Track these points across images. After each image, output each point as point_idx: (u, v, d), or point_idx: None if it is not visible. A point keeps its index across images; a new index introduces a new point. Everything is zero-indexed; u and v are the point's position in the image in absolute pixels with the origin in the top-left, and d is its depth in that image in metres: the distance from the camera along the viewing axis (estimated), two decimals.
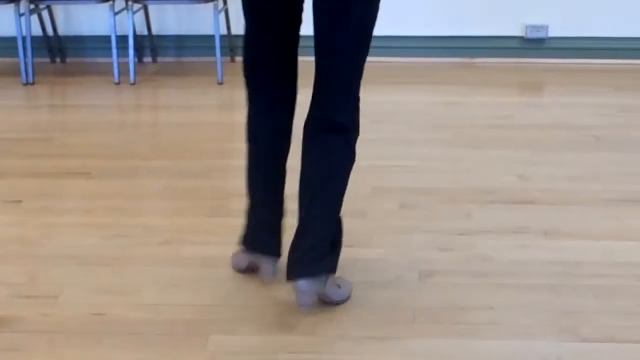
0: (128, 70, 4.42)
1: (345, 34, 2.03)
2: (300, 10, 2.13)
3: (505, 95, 4.24)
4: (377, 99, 4.14)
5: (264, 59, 2.22)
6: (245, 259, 2.38)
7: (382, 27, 4.72)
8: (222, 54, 4.48)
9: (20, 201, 2.95)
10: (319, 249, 2.15)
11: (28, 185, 3.10)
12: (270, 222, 2.31)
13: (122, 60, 4.45)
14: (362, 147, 3.50)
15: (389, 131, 3.67)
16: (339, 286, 2.24)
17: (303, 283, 2.12)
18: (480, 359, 2.01)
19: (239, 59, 4.82)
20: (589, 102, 4.04)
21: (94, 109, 4.10)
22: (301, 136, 2.19)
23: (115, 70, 4.45)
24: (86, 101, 4.26)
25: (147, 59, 4.94)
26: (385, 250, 2.52)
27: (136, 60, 4.60)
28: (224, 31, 4.72)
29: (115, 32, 4.44)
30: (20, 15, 4.45)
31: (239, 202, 2.95)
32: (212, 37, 4.45)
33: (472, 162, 3.27)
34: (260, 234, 2.32)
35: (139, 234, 2.68)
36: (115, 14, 4.44)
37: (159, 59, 4.94)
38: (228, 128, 3.82)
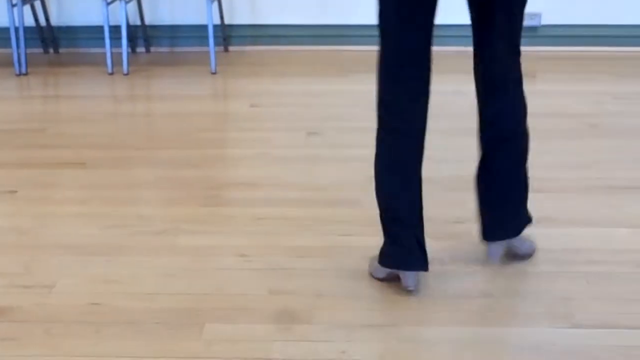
0: (121, 60, 4.41)
1: None
2: None
3: None
4: (369, 87, 4.13)
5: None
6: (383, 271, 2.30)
7: (374, 15, 4.73)
8: (216, 44, 4.47)
9: (15, 191, 2.95)
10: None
11: (23, 175, 3.10)
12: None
13: (115, 50, 4.44)
14: (359, 135, 3.51)
15: None
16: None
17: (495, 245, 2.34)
18: (477, 346, 2.02)
19: (233, 48, 4.83)
20: (583, 89, 4.05)
21: (88, 100, 4.10)
22: None
23: (109, 61, 4.44)
24: (80, 92, 4.25)
25: (141, 49, 4.93)
26: (378, 239, 2.52)
27: (129, 50, 4.58)
28: (217, 21, 4.71)
29: (108, 22, 4.43)
30: (13, 5, 4.43)
31: (234, 192, 2.97)
32: (205, 26, 4.44)
33: (468, 151, 3.26)
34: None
35: (135, 224, 2.68)
36: (108, 4, 4.42)
37: (152, 49, 4.93)
38: (222, 118, 3.82)
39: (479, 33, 2.25)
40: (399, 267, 2.23)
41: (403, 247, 2.21)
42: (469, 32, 2.25)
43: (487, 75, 2.31)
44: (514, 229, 2.35)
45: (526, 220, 2.36)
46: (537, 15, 4.58)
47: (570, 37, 4.70)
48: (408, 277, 2.21)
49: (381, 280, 2.27)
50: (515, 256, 2.37)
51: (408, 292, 2.20)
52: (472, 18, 2.25)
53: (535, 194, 2.84)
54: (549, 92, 4.08)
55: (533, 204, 2.76)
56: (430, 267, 2.26)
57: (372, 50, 5.11)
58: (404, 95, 2.24)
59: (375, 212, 2.74)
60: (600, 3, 4.66)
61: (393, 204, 2.25)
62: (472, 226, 2.62)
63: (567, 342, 2.03)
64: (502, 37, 2.22)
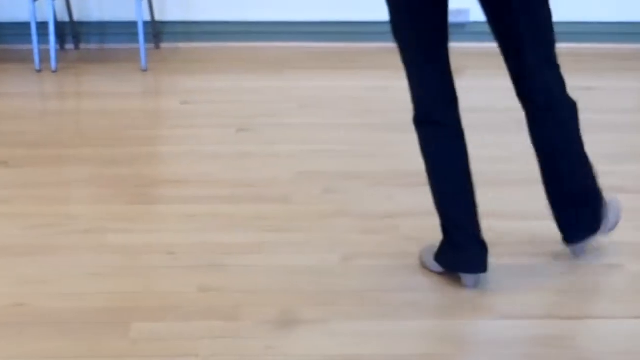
0: (49, 57, 4.34)
1: None
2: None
3: None
4: (302, 84, 4.16)
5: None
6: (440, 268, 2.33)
7: (308, 12, 4.75)
8: (146, 41, 4.43)
9: None
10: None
11: None
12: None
13: (43, 47, 4.36)
14: (287, 131, 3.52)
15: (314, 116, 3.68)
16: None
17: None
18: (402, 339, 2.04)
19: (164, 45, 4.79)
20: (510, 85, 4.10)
21: (14, 97, 4.02)
22: None
23: (36, 58, 4.36)
24: (6, 89, 4.17)
25: (70, 46, 4.85)
26: (308, 234, 2.54)
27: (58, 47, 4.51)
28: (147, 17, 4.67)
29: (36, 18, 4.35)
30: None
31: (163, 189, 2.95)
32: (135, 23, 4.40)
33: (396, 146, 3.30)
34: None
35: (62, 223, 2.65)
36: (35, 0, 4.35)
37: (82, 45, 4.85)
38: (152, 115, 3.79)
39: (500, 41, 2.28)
40: (461, 271, 2.25)
41: (465, 253, 2.24)
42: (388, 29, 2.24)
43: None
44: (593, 227, 2.35)
45: (601, 209, 2.34)
46: (465, 12, 4.64)
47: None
48: (468, 278, 2.24)
49: (437, 273, 2.30)
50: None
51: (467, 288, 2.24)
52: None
53: None
54: (477, 88, 4.14)
55: None
56: (353, 262, 2.28)
57: (304, 46, 5.13)
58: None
59: (304, 207, 2.77)
60: None
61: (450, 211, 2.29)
62: (399, 221, 2.66)
63: (492, 333, 2.07)
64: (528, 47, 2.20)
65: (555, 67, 2.28)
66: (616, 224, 2.38)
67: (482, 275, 2.24)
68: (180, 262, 2.39)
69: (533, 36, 2.18)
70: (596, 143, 3.34)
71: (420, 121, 2.25)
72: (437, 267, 2.30)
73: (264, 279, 2.31)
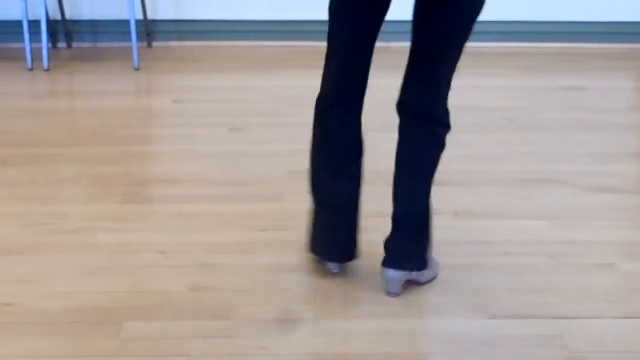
0: (41, 55, 4.33)
1: None
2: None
3: None
4: (294, 83, 4.16)
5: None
6: None
7: (300, 11, 4.74)
8: (138, 39, 4.42)
9: None
10: (412, 242, 2.23)
11: None
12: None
13: (35, 45, 4.35)
14: (279, 131, 3.52)
15: (305, 115, 3.66)
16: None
17: (392, 272, 2.20)
18: (393, 338, 2.05)
19: (156, 44, 4.78)
20: (499, 84, 4.13)
21: (6, 96, 4.01)
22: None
23: (28, 56, 4.35)
24: None
25: (62, 45, 4.84)
26: (299, 233, 2.53)
27: (50, 45, 4.50)
28: (139, 16, 4.66)
29: (27, 16, 4.34)
30: None
31: (154, 188, 2.95)
32: (127, 21, 4.39)
33: (386, 145, 3.29)
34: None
35: (52, 222, 2.64)
36: None
37: (74, 44, 4.84)
38: (144, 114, 3.78)
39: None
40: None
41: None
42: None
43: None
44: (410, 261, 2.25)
45: (423, 252, 2.26)
46: None
47: (487, 32, 4.77)
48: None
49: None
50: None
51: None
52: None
53: (451, 187, 2.91)
54: (464, 87, 4.13)
55: (450, 197, 2.82)
56: (352, 260, 2.29)
57: (296, 45, 5.13)
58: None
59: (295, 206, 2.77)
60: (512, 0, 4.75)
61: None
62: (387, 220, 2.65)
63: (482, 332, 2.07)
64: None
65: (447, 90, 2.19)
66: (430, 280, 2.29)
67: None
68: (172, 262, 2.39)
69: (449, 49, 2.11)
70: (587, 142, 3.37)
71: (329, 105, 2.30)
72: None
73: (255, 278, 2.31)
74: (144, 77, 4.32)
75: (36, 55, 4.34)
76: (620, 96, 4.05)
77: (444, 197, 2.82)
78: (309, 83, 4.17)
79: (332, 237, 2.31)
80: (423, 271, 2.24)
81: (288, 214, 2.70)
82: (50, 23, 4.63)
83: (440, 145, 2.20)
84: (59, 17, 4.75)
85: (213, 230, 2.58)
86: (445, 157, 2.93)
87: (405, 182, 2.24)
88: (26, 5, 4.33)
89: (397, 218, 2.23)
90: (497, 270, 2.36)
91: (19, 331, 2.05)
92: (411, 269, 2.21)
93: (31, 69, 4.35)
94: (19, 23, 4.39)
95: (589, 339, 2.06)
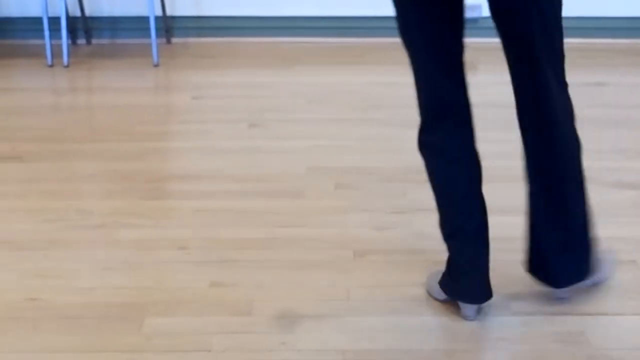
0: (61, 52, 4.35)
1: None
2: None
3: None
4: (312, 79, 4.16)
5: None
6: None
7: (318, 7, 4.75)
8: (158, 36, 4.43)
9: None
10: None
11: None
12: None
13: (55, 42, 4.37)
14: (298, 127, 3.52)
15: (324, 111, 3.68)
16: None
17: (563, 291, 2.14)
18: (415, 335, 2.04)
19: (175, 40, 4.80)
20: None
21: (26, 92, 4.03)
22: None
23: (48, 53, 4.37)
24: (18, 84, 4.19)
25: (81, 41, 4.86)
26: (320, 230, 2.54)
27: (69, 42, 4.52)
28: (159, 12, 4.67)
29: (47, 13, 4.36)
30: None
31: (175, 184, 2.96)
32: (146, 18, 4.40)
33: (407, 142, 3.28)
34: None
35: (74, 218, 2.65)
36: None
37: (94, 40, 4.86)
38: (164, 110, 3.80)
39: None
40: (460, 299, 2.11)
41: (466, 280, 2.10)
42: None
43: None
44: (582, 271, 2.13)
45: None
46: (478, 7, 4.63)
47: None
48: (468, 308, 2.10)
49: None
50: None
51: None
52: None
53: None
54: (488, 83, 4.13)
55: None
56: (366, 257, 2.28)
57: (314, 41, 5.13)
58: None
59: (316, 203, 2.77)
60: None
61: None
62: (411, 216, 2.66)
63: (503, 329, 2.06)
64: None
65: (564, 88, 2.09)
66: (606, 278, 2.21)
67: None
68: (192, 257, 2.40)
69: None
70: (609, 138, 3.34)
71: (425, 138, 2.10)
72: (440, 294, 2.16)
73: (276, 274, 2.31)
74: (163, 74, 4.33)
75: (56, 51, 4.37)
76: None
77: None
78: (327, 79, 4.19)
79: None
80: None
81: (308, 210, 2.70)
82: (70, 20, 4.65)
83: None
84: (78, 13, 4.77)
85: (233, 226, 2.59)
86: None
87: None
88: (46, 2, 4.35)
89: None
90: (518, 267, 2.34)
91: (42, 326, 2.06)
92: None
93: (51, 65, 4.37)
94: (39, 20, 4.42)
95: (611, 336, 2.05)
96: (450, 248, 2.12)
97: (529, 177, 2.14)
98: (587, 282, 2.16)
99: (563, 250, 2.08)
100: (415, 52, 1.98)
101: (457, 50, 2.00)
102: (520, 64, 2.01)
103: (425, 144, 2.09)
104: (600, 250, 2.17)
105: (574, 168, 2.12)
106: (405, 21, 1.95)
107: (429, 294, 2.20)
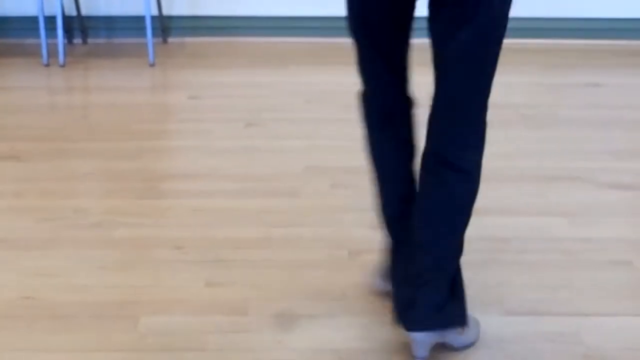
0: (57, 51, 4.35)
1: None
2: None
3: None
4: (309, 79, 4.16)
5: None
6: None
7: (314, 6, 4.74)
8: (154, 35, 4.43)
9: None
10: (438, 297, 1.89)
11: None
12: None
13: (51, 41, 4.37)
14: (295, 126, 3.52)
15: (322, 111, 3.68)
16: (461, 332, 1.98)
17: (419, 335, 1.90)
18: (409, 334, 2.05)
19: (171, 40, 4.80)
20: (517, 81, 4.11)
21: (22, 91, 4.03)
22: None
23: (44, 52, 4.37)
24: (13, 83, 4.18)
25: (77, 40, 4.86)
26: (315, 229, 2.54)
27: (66, 41, 4.52)
28: (155, 12, 4.67)
29: (43, 12, 4.36)
30: None
31: (171, 183, 2.96)
32: (143, 17, 4.40)
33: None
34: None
35: (70, 217, 2.65)
36: None
37: (90, 40, 4.86)
38: (160, 109, 3.79)
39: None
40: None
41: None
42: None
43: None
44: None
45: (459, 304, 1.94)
46: None
47: None
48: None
49: None
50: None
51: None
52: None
53: None
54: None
55: None
56: (361, 257, 2.29)
57: (311, 41, 5.12)
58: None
59: (312, 202, 2.77)
60: None
61: None
62: None
63: (497, 329, 2.07)
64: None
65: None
66: (472, 343, 2.01)
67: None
68: (188, 257, 2.40)
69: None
70: (604, 139, 3.36)
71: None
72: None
73: (271, 274, 2.32)
74: (160, 73, 4.33)
75: (52, 51, 4.36)
76: (638, 93, 4.03)
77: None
78: (324, 79, 4.19)
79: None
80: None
81: (305, 210, 2.70)
82: (66, 19, 4.65)
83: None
84: (74, 13, 4.77)
85: (230, 225, 2.59)
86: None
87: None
88: (42, 1, 4.35)
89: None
90: (512, 267, 2.36)
91: (37, 324, 2.06)
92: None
93: (47, 64, 4.37)
94: (34, 19, 4.41)
95: (605, 336, 2.05)
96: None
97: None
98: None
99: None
100: (363, 48, 1.92)
101: (404, 48, 1.92)
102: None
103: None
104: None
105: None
106: (355, 18, 1.88)
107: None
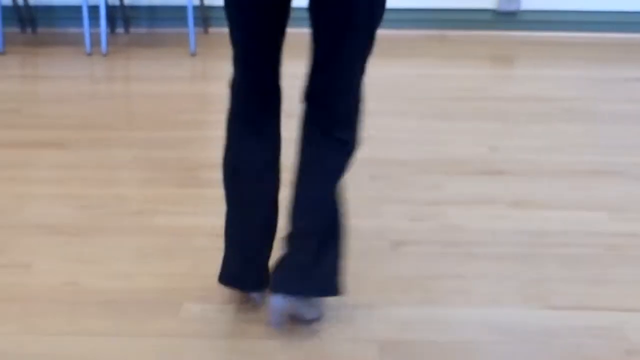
0: (100, 41, 4.39)
1: None
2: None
3: (477, 67, 4.26)
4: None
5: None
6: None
7: None
8: (195, 25, 4.46)
9: None
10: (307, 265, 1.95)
11: None
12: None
13: (93, 31, 4.41)
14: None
15: (370, 102, 3.67)
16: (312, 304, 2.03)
17: (278, 299, 1.94)
18: (450, 326, 2.04)
19: (212, 30, 4.82)
20: (559, 74, 4.08)
21: (66, 80, 4.08)
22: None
23: (87, 41, 4.41)
24: (57, 72, 4.23)
25: (120, 30, 4.90)
26: (355, 220, 2.53)
27: (108, 30, 4.56)
28: (196, 1, 4.70)
29: (87, 2, 4.40)
30: None
31: (211, 173, 2.96)
32: (184, 7, 4.43)
33: (443, 134, 3.30)
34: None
35: (111, 204, 2.68)
36: None
37: (132, 29, 4.90)
38: (201, 99, 3.82)
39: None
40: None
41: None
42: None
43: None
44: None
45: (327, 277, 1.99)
46: (516, 0, 4.60)
47: (548, 22, 4.73)
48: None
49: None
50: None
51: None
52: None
53: (508, 177, 2.90)
54: (525, 77, 4.11)
55: (506, 186, 2.80)
56: (402, 248, 2.27)
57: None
58: None
59: (351, 194, 2.77)
60: None
61: None
62: (446, 208, 2.66)
63: (539, 323, 2.06)
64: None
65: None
66: (319, 317, 2.04)
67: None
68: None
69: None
70: None
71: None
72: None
73: None
74: (200, 63, 4.35)
75: (95, 40, 4.41)
76: None
77: (502, 187, 2.81)
78: (369, 72, 4.18)
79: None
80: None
81: (347, 200, 2.70)
82: (109, 9, 4.69)
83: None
84: (117, 2, 4.81)
85: None
86: (503, 146, 2.93)
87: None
88: None
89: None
90: (554, 261, 2.34)
91: (82, 310, 2.09)
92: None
93: (90, 54, 4.42)
94: (78, 8, 4.46)
95: None
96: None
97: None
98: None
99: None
100: (239, 37, 1.93)
101: (281, 39, 1.98)
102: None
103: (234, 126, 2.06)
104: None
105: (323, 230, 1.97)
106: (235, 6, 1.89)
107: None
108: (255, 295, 2.09)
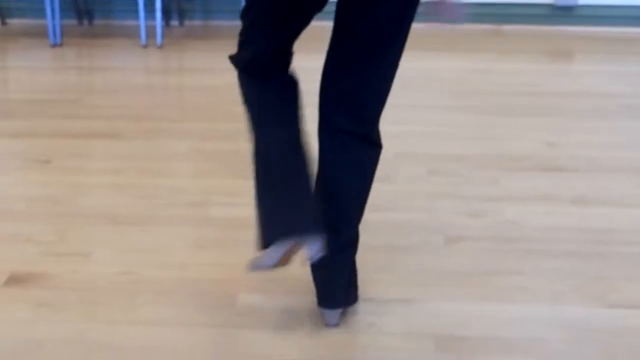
0: (155, 33, 4.42)
1: None
2: None
3: (535, 62, 4.20)
4: (405, 64, 4.12)
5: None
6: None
7: None
8: None
9: (49, 161, 2.97)
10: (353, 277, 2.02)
11: (57, 145, 3.13)
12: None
13: (149, 23, 4.45)
14: (388, 112, 3.49)
15: (416, 97, 3.65)
16: None
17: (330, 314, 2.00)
18: (508, 323, 2.01)
19: None
20: (619, 70, 4.00)
21: (121, 72, 4.11)
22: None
23: (143, 33, 4.45)
24: (113, 63, 4.27)
25: (174, 23, 4.93)
26: (411, 214, 2.52)
27: (163, 23, 4.59)
28: None
29: None
30: None
31: None
32: (238, 0, 4.43)
33: (500, 129, 3.26)
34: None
35: (167, 195, 2.70)
36: None
37: (186, 22, 4.93)
38: None
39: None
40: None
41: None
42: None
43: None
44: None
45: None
46: None
47: (607, 17, 4.64)
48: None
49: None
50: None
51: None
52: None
53: (569, 173, 2.85)
54: (584, 72, 4.04)
55: (568, 183, 2.76)
56: (458, 243, 2.24)
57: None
58: None
59: (407, 187, 2.75)
60: None
61: None
62: (504, 204, 2.62)
63: (601, 322, 2.02)
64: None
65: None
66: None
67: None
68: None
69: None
70: None
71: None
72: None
73: (365, 258, 2.30)
74: None
75: (150, 32, 4.44)
76: None
77: (561, 183, 2.76)
78: (419, 65, 4.16)
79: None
80: None
81: (398, 195, 2.68)
82: (164, 2, 4.72)
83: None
84: None
85: None
86: (561, 142, 2.87)
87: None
88: None
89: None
90: (617, 259, 2.29)
91: (139, 299, 2.10)
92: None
93: (145, 46, 4.45)
94: (134, 1, 4.50)
95: None
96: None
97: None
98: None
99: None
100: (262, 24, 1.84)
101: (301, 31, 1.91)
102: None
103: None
104: None
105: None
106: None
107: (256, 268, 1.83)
108: (304, 240, 1.78)
